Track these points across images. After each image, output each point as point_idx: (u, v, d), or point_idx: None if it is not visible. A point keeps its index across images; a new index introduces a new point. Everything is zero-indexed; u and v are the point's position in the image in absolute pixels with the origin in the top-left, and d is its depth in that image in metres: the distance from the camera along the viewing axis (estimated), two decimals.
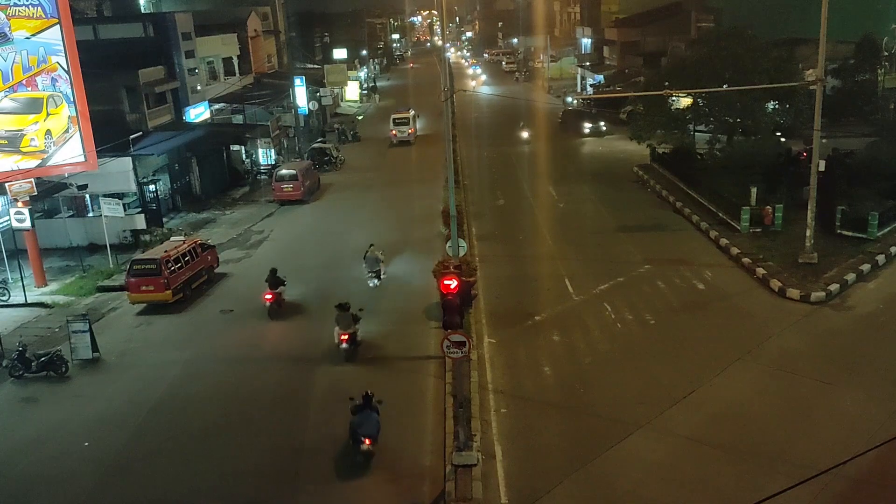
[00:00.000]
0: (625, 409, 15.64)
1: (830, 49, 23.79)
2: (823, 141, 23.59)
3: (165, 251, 22.79)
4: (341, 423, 15.08)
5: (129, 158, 29.42)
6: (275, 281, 22.00)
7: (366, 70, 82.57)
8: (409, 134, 48.54)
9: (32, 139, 24.41)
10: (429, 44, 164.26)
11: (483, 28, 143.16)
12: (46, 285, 25.09)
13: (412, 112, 49.94)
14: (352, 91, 68.25)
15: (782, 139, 32.91)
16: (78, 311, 21.68)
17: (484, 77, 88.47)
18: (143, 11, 53.53)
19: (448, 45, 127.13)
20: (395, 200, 34.63)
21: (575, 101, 59.57)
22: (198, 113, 39.67)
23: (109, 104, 32.18)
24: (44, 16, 24.21)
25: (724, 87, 29.18)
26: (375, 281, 23.67)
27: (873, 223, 24.00)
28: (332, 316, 19.14)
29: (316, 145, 44.95)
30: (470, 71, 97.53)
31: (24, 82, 24.14)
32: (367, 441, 14.38)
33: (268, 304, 21.79)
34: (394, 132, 48.76)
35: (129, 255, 26.16)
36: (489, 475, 13.66)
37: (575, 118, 50.79)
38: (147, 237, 28.80)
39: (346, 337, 18.77)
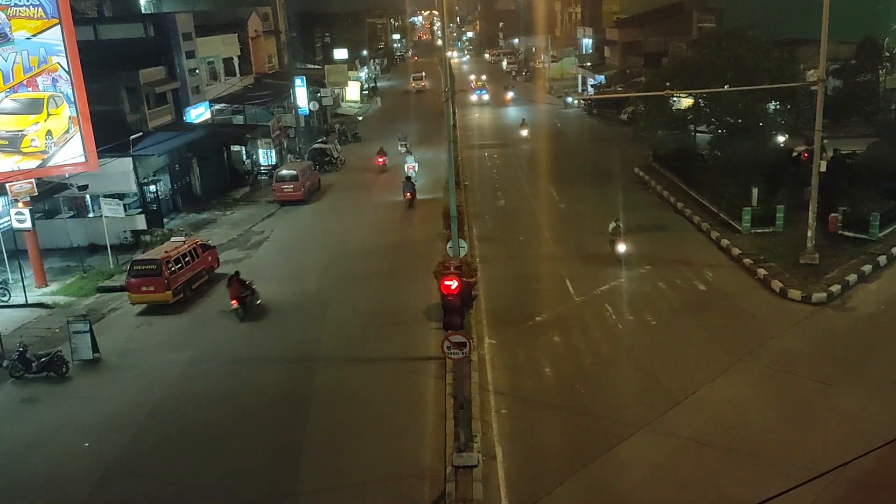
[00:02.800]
0: (626, 410, 15.61)
1: (832, 50, 23.74)
2: (825, 142, 23.56)
3: (166, 252, 22.77)
4: (344, 427, 15.04)
5: (130, 159, 29.38)
6: (382, 151, 41.46)
7: (366, 70, 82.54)
8: (422, 86, 77.15)
9: (33, 139, 24.39)
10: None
11: (484, 28, 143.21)
12: (47, 286, 25.08)
13: (423, 73, 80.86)
14: (352, 91, 68.23)
15: (782, 138, 32.81)
16: (78, 312, 21.66)
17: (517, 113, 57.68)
18: (143, 12, 53.60)
19: (456, 54, 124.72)
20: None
21: (576, 102, 59.60)
22: (198, 113, 39.66)
23: (110, 104, 32.19)
24: (44, 16, 24.19)
25: (726, 87, 29.15)
26: (406, 147, 43.63)
27: (875, 224, 23.97)
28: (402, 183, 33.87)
29: (316, 146, 44.92)
30: (474, 97, 67.32)
31: (24, 83, 24.11)
32: (408, 195, 32.86)
33: (379, 164, 40.87)
34: (413, 84, 78.21)
35: (129, 256, 26.14)
36: (490, 476, 13.62)
37: None
38: (147, 237, 28.81)
39: (410, 196, 33.13)
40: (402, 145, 44.12)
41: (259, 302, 22.20)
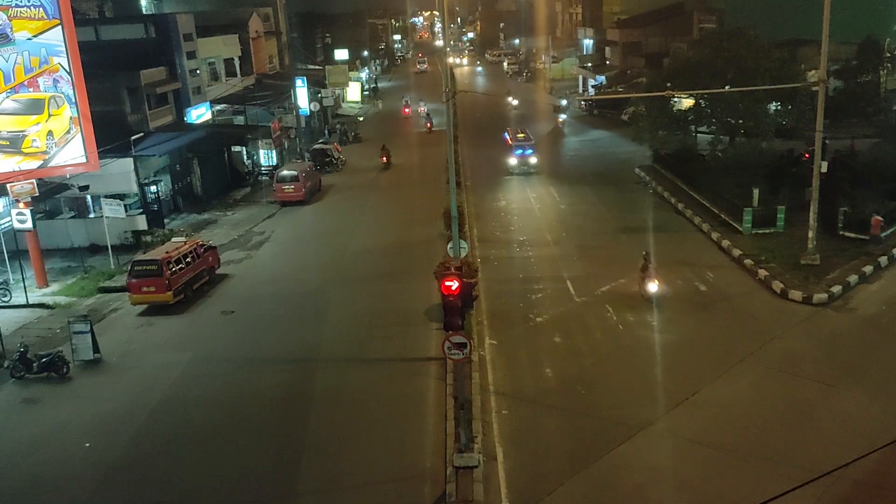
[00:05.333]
0: (627, 410, 15.59)
1: (833, 50, 23.77)
2: (826, 142, 23.52)
3: (167, 252, 22.77)
4: (345, 428, 15.05)
5: (131, 159, 29.40)
6: (407, 103, 61.10)
7: (367, 71, 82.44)
8: (425, 68, 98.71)
9: (34, 140, 24.40)
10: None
11: (485, 29, 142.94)
12: (48, 286, 25.08)
13: (426, 58, 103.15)
14: (353, 92, 68.18)
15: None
16: (79, 312, 21.66)
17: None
18: (144, 12, 53.65)
19: (466, 63, 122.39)
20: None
21: (577, 103, 59.39)
22: (199, 114, 39.68)
23: (111, 105, 32.22)
24: (45, 17, 24.20)
25: (727, 87, 29.11)
26: (408, 102, 61.71)
27: None
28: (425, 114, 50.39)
29: (317, 146, 44.94)
30: (513, 160, 37.60)
31: (25, 83, 24.13)
32: (428, 125, 52.43)
33: (405, 114, 59.31)
34: (417, 66, 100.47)
35: (130, 256, 26.14)
36: (490, 477, 13.62)
37: None
38: (148, 238, 28.81)
39: (430, 125, 52.16)
40: (405, 103, 61.75)
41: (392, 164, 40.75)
